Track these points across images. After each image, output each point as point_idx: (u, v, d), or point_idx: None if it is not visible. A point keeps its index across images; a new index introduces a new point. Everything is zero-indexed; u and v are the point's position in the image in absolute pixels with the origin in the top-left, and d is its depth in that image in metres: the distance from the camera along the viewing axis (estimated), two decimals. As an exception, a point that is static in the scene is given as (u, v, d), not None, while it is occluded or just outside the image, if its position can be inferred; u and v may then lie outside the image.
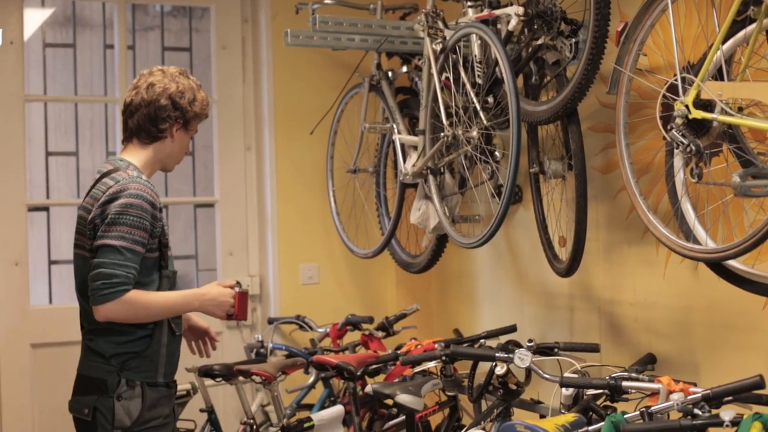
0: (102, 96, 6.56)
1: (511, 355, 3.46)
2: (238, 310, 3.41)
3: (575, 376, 3.38)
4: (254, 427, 4.53)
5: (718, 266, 3.19)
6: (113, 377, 3.24)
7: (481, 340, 4.20)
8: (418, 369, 4.21)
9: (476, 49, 4.07)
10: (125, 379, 3.25)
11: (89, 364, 3.31)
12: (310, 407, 4.93)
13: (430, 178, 4.33)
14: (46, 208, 6.50)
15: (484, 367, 3.72)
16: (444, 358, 3.93)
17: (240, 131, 5.60)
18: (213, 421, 4.77)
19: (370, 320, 5.01)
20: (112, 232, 3.18)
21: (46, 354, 5.16)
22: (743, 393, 2.81)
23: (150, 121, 3.34)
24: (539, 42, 3.89)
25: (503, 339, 4.03)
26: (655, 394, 3.02)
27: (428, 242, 4.93)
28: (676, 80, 3.09)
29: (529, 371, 3.54)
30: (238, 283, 3.45)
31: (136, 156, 3.37)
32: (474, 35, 4.04)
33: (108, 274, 3.16)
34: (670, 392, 2.93)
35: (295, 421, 4.30)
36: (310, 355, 4.68)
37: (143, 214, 3.21)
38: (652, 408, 2.81)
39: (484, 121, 3.92)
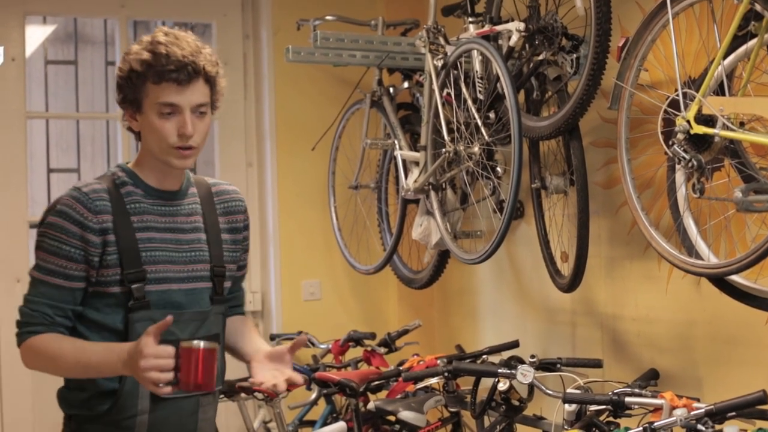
0: (103, 113, 6.58)
1: (513, 371, 3.46)
2: (187, 372, 2.27)
3: (578, 391, 3.37)
4: (256, 443, 4.52)
5: (720, 281, 3.19)
6: None
7: (484, 356, 4.19)
8: (420, 385, 4.20)
9: (477, 65, 4.07)
10: None
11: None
12: (312, 424, 4.91)
13: (432, 193, 4.33)
14: (47, 225, 6.50)
15: (486, 383, 3.71)
16: (446, 374, 3.92)
17: (241, 147, 5.60)
18: (215, 437, 4.75)
19: (373, 336, 5.00)
20: (35, 259, 2.53)
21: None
22: (747, 408, 2.80)
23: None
24: (540, 57, 3.90)
25: (506, 355, 4.03)
26: (658, 409, 3.01)
27: (430, 258, 4.92)
28: (677, 95, 3.09)
29: (531, 387, 3.54)
30: (194, 339, 2.35)
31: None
32: (475, 51, 4.05)
33: (19, 313, 2.52)
34: (673, 408, 2.92)
35: (297, 438, 4.29)
36: (312, 372, 4.67)
37: (61, 236, 2.46)
38: (655, 424, 2.80)
39: (486, 137, 3.92)
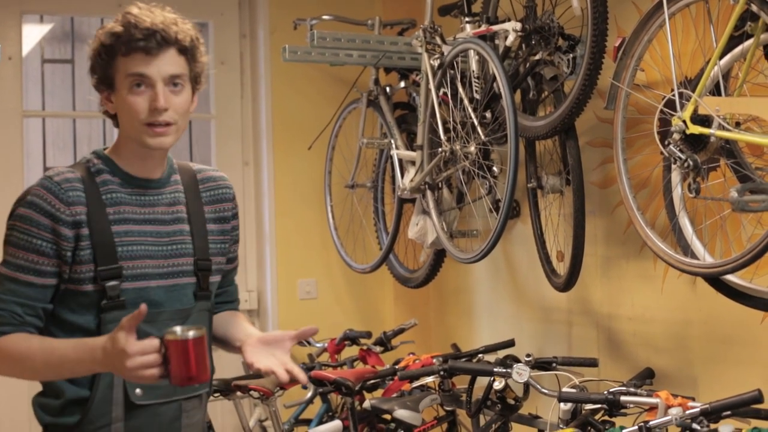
0: (100, 111, 6.58)
1: (509, 370, 3.46)
2: (177, 365, 2.11)
3: (573, 390, 3.37)
4: (252, 442, 4.52)
5: (716, 281, 3.19)
6: None
7: (479, 355, 4.20)
8: (416, 384, 4.20)
9: (474, 65, 4.08)
10: None
11: None
12: (308, 422, 4.91)
13: (428, 193, 4.33)
14: (43, 224, 6.49)
15: (482, 381, 3.72)
16: (442, 372, 3.92)
17: (238, 146, 5.60)
18: (211, 436, 4.76)
19: (368, 335, 5.00)
20: (3, 255, 2.36)
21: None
22: (742, 407, 2.81)
23: None
24: (537, 57, 3.90)
25: (501, 354, 4.03)
26: (653, 408, 3.01)
27: (426, 257, 4.93)
28: (673, 95, 3.10)
29: (527, 386, 3.54)
30: (177, 328, 2.14)
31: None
32: (472, 51, 4.05)
33: None
34: (669, 407, 2.92)
35: (293, 437, 4.30)
36: (308, 370, 4.67)
37: (31, 228, 2.29)
38: (651, 423, 2.81)
39: (482, 137, 3.93)
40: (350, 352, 5.00)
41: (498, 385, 3.58)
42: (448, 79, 4.17)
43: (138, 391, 2.32)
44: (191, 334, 2.11)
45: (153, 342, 2.11)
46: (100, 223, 2.31)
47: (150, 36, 2.29)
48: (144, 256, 2.36)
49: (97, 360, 2.17)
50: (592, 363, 3.85)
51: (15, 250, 2.30)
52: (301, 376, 2.29)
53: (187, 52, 2.37)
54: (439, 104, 4.20)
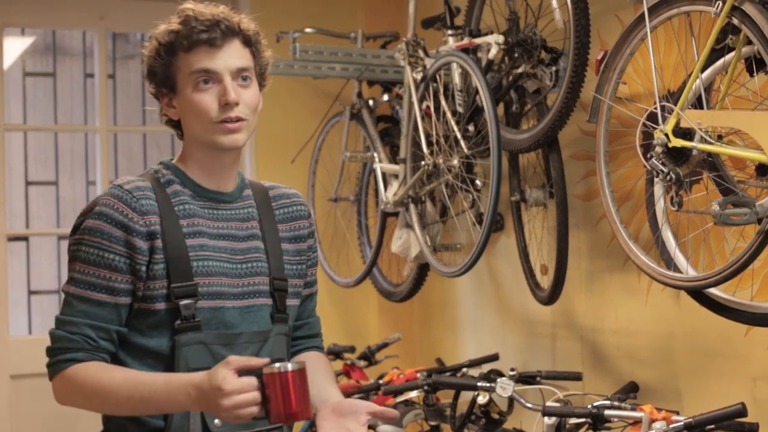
0: (82, 125, 6.54)
1: (493, 384, 3.45)
2: (276, 402, 1.97)
3: (557, 404, 3.36)
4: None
5: (699, 294, 3.19)
6: None
7: (464, 369, 4.18)
8: (400, 398, 4.19)
9: (457, 78, 4.07)
10: None
11: None
12: (291, 437, 4.89)
13: (411, 206, 4.32)
14: (25, 238, 6.46)
15: (466, 396, 3.71)
16: (426, 387, 3.90)
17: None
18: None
19: (352, 349, 4.98)
20: (69, 272, 2.16)
21: (26, 385, 5.10)
22: (726, 421, 2.81)
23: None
24: (520, 70, 3.90)
25: (485, 368, 4.02)
26: (637, 422, 3.00)
27: (410, 271, 4.91)
28: (655, 108, 3.10)
29: (511, 400, 3.53)
30: (275, 362, 2.01)
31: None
32: (454, 64, 4.05)
33: (51, 337, 2.14)
34: (653, 421, 2.92)
35: (276, 452, 4.27)
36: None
37: (102, 241, 2.10)
38: (635, 437, 2.80)
39: (465, 150, 3.92)
40: (334, 366, 4.97)
41: (482, 399, 3.57)
42: (431, 92, 4.17)
43: (217, 421, 2.13)
44: (291, 366, 1.97)
45: (251, 379, 1.96)
46: (174, 236, 2.13)
47: (213, 26, 2.15)
48: (219, 273, 2.18)
49: (192, 397, 2.00)
50: (576, 377, 3.85)
51: (84, 266, 2.10)
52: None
53: (252, 43, 2.24)
54: (422, 117, 4.19)
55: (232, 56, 2.18)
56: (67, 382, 2.09)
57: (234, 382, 1.95)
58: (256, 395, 1.96)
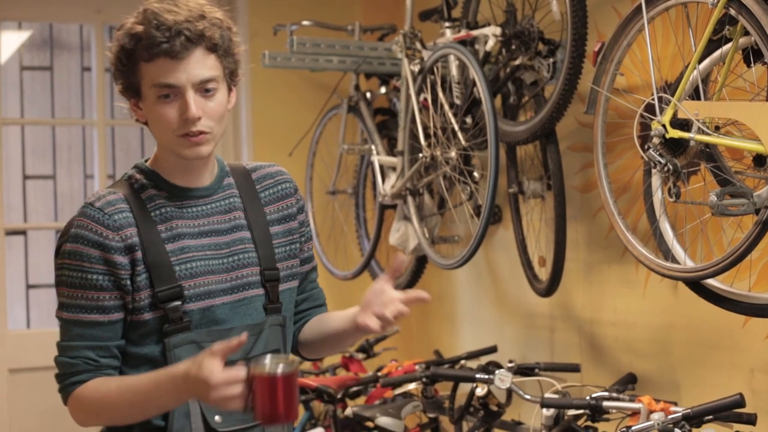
0: (79, 119, 6.54)
1: (491, 376, 3.46)
2: (263, 403, 1.94)
3: (556, 396, 3.37)
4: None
5: (697, 285, 3.19)
6: None
7: (462, 362, 4.19)
8: (398, 391, 4.19)
9: (454, 70, 4.07)
10: None
11: None
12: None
13: (409, 199, 4.32)
14: (23, 232, 6.46)
15: (464, 388, 3.71)
16: (424, 379, 3.91)
17: (218, 153, 5.56)
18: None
19: (350, 342, 4.97)
20: (58, 297, 2.17)
21: (24, 379, 5.11)
22: (724, 412, 2.81)
23: None
24: (517, 62, 3.90)
25: (484, 360, 4.03)
26: (635, 413, 3.01)
27: (408, 263, 4.92)
28: (653, 100, 3.10)
29: (509, 392, 3.54)
30: (270, 355, 2.01)
31: None
32: (452, 56, 4.04)
33: (56, 364, 2.16)
34: (651, 412, 2.93)
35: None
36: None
37: (82, 264, 2.10)
38: (633, 428, 2.80)
39: (463, 142, 3.92)
40: (332, 359, 4.98)
41: (481, 391, 3.57)
42: (429, 85, 4.17)
43: (217, 418, 2.14)
44: (281, 370, 1.93)
45: (238, 373, 1.94)
46: (153, 244, 2.11)
47: (174, 36, 2.05)
48: (205, 272, 2.16)
49: (181, 388, 1.99)
50: (575, 368, 3.85)
51: (71, 290, 2.11)
52: (419, 294, 2.19)
53: (218, 48, 2.12)
54: (420, 110, 4.19)
55: (194, 68, 2.09)
56: (76, 404, 2.12)
57: (220, 375, 1.93)
58: (241, 389, 1.94)
